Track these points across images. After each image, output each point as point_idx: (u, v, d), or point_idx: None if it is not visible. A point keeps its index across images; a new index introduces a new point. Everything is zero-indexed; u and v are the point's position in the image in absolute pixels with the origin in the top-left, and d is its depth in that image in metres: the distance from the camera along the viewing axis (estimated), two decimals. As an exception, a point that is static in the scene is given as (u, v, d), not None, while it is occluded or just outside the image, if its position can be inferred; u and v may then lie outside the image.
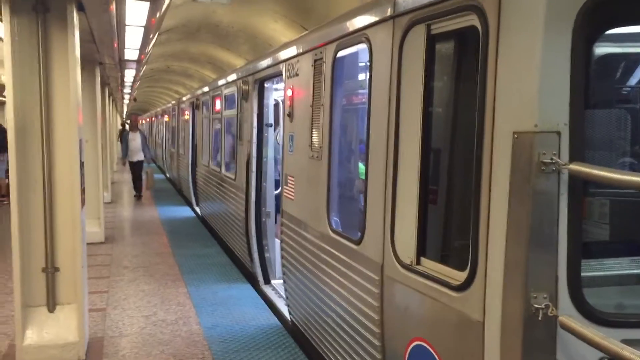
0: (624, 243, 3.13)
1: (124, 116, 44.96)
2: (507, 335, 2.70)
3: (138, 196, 17.33)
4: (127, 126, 36.21)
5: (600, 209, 3.05)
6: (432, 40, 3.45)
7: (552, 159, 2.56)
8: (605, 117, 3.00)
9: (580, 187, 2.64)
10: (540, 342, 2.63)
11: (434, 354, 3.23)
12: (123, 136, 17.80)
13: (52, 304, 5.53)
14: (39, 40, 5.25)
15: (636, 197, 3.08)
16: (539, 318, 2.59)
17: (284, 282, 6.31)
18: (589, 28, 2.64)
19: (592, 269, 2.86)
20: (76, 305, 5.55)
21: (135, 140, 16.82)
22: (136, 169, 17.11)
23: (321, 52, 5.12)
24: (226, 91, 10.39)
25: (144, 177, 17.57)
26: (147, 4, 6.37)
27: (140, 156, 16.93)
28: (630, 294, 2.91)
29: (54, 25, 5.31)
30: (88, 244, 6.49)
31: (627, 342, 2.30)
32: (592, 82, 2.92)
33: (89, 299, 6.85)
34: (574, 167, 2.51)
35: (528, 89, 2.64)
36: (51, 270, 5.49)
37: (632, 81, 3.44)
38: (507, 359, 2.71)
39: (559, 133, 2.58)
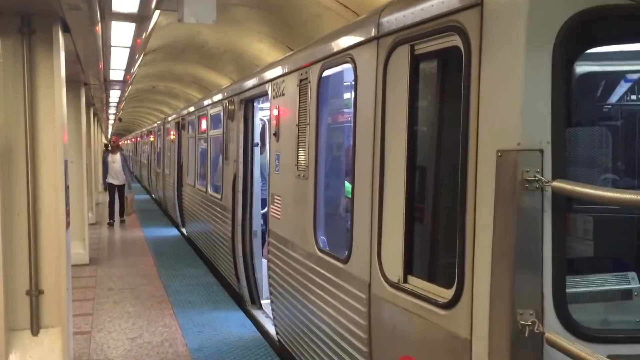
0: (608, 259, 3.17)
1: (109, 136, 44.80)
2: (494, 352, 2.71)
3: (121, 220, 16.32)
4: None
5: (584, 226, 3.09)
6: (416, 60, 3.49)
7: (535, 176, 2.60)
8: (587, 135, 3.05)
9: (564, 204, 2.68)
10: (528, 359, 2.63)
11: (422, 373, 3.22)
12: (103, 158, 16.63)
13: (36, 328, 5.44)
14: (24, 61, 5.23)
15: (619, 214, 3.13)
16: (526, 335, 2.60)
17: (272, 301, 6.28)
18: (569, 47, 2.70)
19: (577, 285, 2.89)
20: (60, 328, 5.46)
21: (116, 162, 15.79)
22: (119, 192, 15.90)
23: (307, 72, 5.16)
24: (212, 111, 10.41)
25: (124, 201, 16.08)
26: (133, 25, 6.38)
27: (121, 179, 15.82)
28: (616, 310, 2.94)
29: (40, 46, 5.30)
30: (72, 265, 6.42)
31: (613, 357, 2.33)
32: (573, 101, 2.97)
33: (74, 321, 6.76)
34: (557, 184, 2.55)
35: (510, 107, 2.68)
36: (35, 293, 5.41)
37: (612, 99, 3.51)
38: (495, 377, 2.71)
39: (541, 151, 2.62)
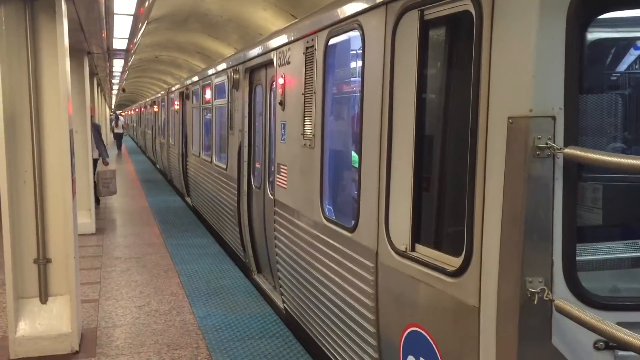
0: (617, 227, 3.15)
1: (113, 107, 44.75)
2: (503, 320, 2.72)
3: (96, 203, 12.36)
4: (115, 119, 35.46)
5: (593, 194, 3.06)
6: (425, 26, 3.43)
7: (547, 143, 2.56)
8: (600, 102, 3.01)
9: (575, 171, 2.65)
10: (536, 326, 2.64)
11: (430, 340, 3.24)
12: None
13: (44, 296, 5.50)
14: (27, 29, 5.18)
15: (628, 182, 3.10)
16: (535, 302, 2.60)
17: (277, 270, 6.31)
18: (583, 12, 2.64)
19: (586, 253, 2.88)
20: (69, 296, 5.52)
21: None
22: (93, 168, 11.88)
23: (313, 40, 5.09)
24: (216, 80, 10.33)
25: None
26: (136, -8, 6.30)
27: (93, 154, 12.15)
28: (625, 278, 2.93)
29: (42, 13, 5.24)
30: (79, 235, 6.45)
31: (623, 325, 2.32)
32: (586, 67, 2.92)
33: (82, 290, 6.81)
34: (569, 151, 2.51)
35: (523, 73, 2.64)
36: (43, 261, 5.45)
37: (623, 67, 3.44)
38: (503, 344, 2.72)
39: (554, 118, 2.58)
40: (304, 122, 5.27)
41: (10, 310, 5.31)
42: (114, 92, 31.47)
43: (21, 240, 5.39)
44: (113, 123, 35.21)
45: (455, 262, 3.07)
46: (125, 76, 22.23)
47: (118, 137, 34.26)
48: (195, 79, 13.13)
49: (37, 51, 5.27)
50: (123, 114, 52.46)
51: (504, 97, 2.73)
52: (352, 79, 5.49)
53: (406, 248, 3.53)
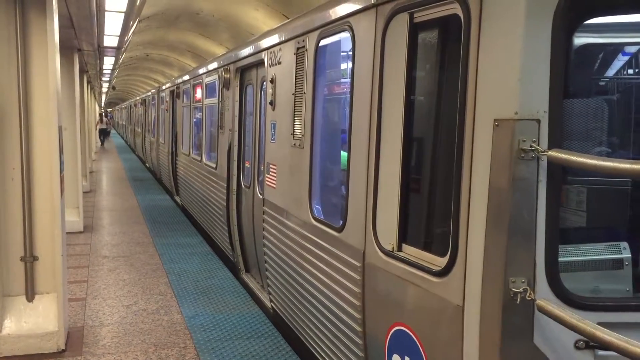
0: (599, 229, 3.20)
1: (102, 105, 44.62)
2: (487, 319, 2.75)
3: None
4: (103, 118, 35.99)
5: (577, 197, 3.11)
6: (414, 29, 3.47)
7: (531, 146, 2.61)
8: (585, 107, 3.05)
9: (559, 174, 2.70)
10: (519, 326, 2.68)
11: (415, 339, 3.28)
12: None
13: (31, 293, 5.48)
14: (17, 24, 5.17)
15: (611, 185, 3.15)
16: (518, 302, 2.64)
17: (266, 269, 6.32)
18: (569, 17, 2.68)
19: (569, 254, 2.92)
20: (55, 294, 5.50)
21: None
22: None
23: (304, 40, 5.12)
24: (207, 80, 10.33)
25: None
26: (127, -11, 6.30)
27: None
28: (606, 279, 2.98)
29: (33, 9, 5.23)
30: (67, 233, 6.44)
31: (603, 325, 2.37)
32: (571, 72, 2.97)
33: (69, 288, 6.79)
34: (553, 153, 2.56)
35: (509, 77, 2.68)
36: (30, 259, 5.43)
37: (610, 72, 3.50)
38: (486, 343, 2.76)
39: (538, 121, 2.63)
40: (294, 122, 5.29)
41: (-3, 307, 5.30)
42: (104, 89, 31.37)
43: (8, 238, 5.37)
44: (98, 119, 35.95)
45: (440, 262, 3.10)
46: (115, 74, 22.15)
47: (102, 133, 35.53)
48: (186, 77, 13.12)
49: (27, 47, 5.26)
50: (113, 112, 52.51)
51: (490, 100, 2.77)
52: (342, 80, 5.52)
53: (393, 248, 3.57)
